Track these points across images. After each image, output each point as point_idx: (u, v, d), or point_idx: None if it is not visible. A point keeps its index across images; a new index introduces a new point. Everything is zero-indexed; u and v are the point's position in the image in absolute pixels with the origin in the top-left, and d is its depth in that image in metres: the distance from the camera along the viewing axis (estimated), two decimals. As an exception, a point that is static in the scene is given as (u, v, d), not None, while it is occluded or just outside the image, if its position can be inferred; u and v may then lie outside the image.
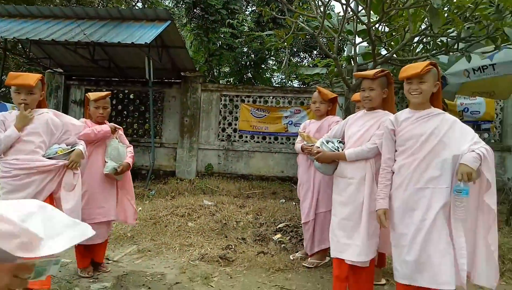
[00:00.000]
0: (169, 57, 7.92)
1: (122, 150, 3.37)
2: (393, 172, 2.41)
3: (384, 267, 3.30)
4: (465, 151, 2.17)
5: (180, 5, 10.48)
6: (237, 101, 7.96)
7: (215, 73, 10.50)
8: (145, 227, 4.63)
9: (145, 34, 6.60)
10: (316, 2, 4.75)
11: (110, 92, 3.57)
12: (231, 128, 7.96)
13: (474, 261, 2.22)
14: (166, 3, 13.66)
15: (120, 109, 8.49)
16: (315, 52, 13.91)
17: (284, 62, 11.82)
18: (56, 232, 0.87)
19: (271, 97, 7.90)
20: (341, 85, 6.36)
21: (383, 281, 3.26)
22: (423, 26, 4.48)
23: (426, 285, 2.22)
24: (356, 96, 3.40)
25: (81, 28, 6.70)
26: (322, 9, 4.44)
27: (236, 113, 7.94)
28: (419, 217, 2.24)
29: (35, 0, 10.24)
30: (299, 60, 14.77)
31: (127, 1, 12.89)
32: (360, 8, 4.82)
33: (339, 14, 5.81)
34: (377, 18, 4.31)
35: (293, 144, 3.83)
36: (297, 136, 3.78)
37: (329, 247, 3.08)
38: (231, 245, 4.10)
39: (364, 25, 4.24)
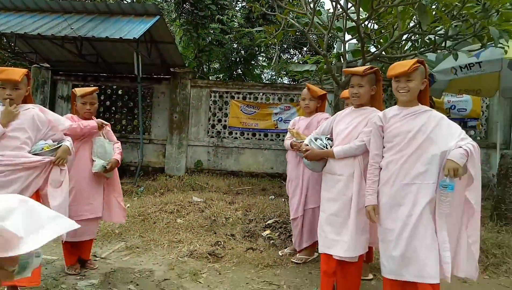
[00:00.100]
0: (158, 53, 7.85)
1: (109, 147, 3.33)
2: (381, 168, 2.44)
3: (371, 262, 3.34)
4: (452, 147, 2.20)
5: (169, 0, 10.39)
6: (227, 97, 7.94)
7: (205, 69, 10.44)
8: (133, 224, 4.60)
9: (134, 29, 6.52)
10: (306, -1, 4.75)
11: (97, 87, 3.52)
12: (221, 124, 7.94)
13: (456, 254, 2.27)
14: (155, -2, 13.51)
15: (108, 105, 8.39)
16: (305, 48, 13.93)
17: (274, 59, 11.82)
18: (38, 225, 0.86)
19: (261, 94, 7.89)
20: (331, 82, 6.39)
21: (371, 276, 3.30)
22: (411, 24, 4.52)
23: (411, 279, 2.26)
24: (345, 93, 3.42)
25: (68, 23, 6.59)
26: (312, 5, 4.45)
27: (226, 109, 7.92)
28: (406, 213, 2.27)
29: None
30: (289, 56, 14.77)
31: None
32: (349, 5, 4.83)
33: (329, 11, 5.82)
34: (366, 15, 4.33)
35: (283, 140, 3.84)
36: (286, 132, 3.79)
37: (317, 242, 3.11)
38: (220, 242, 4.10)
39: (353, 22, 4.26)
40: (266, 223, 4.67)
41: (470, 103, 7.40)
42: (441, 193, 2.18)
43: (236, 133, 7.88)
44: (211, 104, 7.94)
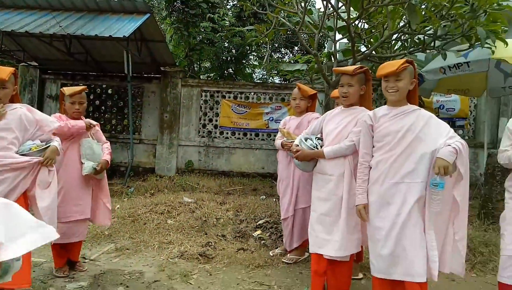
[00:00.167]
0: (149, 51, 7.78)
1: (97, 148, 3.28)
2: (371, 167, 2.45)
3: (361, 262, 3.35)
4: (441, 145, 2.22)
5: (159, -2, 10.32)
6: (218, 97, 7.90)
7: (196, 68, 10.38)
8: (123, 225, 4.56)
9: (124, 27, 6.46)
10: (297, -2, 4.75)
11: (86, 86, 3.48)
12: (212, 124, 7.90)
13: (442, 250, 2.30)
14: (146, -4, 13.39)
15: (97, 105, 8.30)
16: (296, 48, 13.94)
17: (265, 58, 11.82)
18: (19, 233, 0.84)
19: (252, 93, 7.88)
20: (322, 82, 6.41)
21: (361, 276, 3.32)
22: (401, 24, 4.55)
23: (399, 278, 2.28)
24: (335, 92, 3.42)
25: (56, 20, 6.49)
26: (303, 4, 4.45)
27: (217, 109, 7.89)
28: (395, 212, 2.29)
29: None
30: (280, 56, 14.78)
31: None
32: (340, 4, 4.85)
33: (320, 10, 5.83)
34: (357, 15, 4.35)
35: (274, 140, 3.84)
36: (278, 132, 3.79)
37: (308, 243, 3.11)
38: (211, 242, 4.08)
39: (344, 22, 4.27)
40: (257, 223, 4.66)
41: (458, 103, 7.48)
42: (432, 191, 2.20)
43: (227, 133, 7.86)
44: (202, 104, 7.90)
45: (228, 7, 11.73)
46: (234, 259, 3.67)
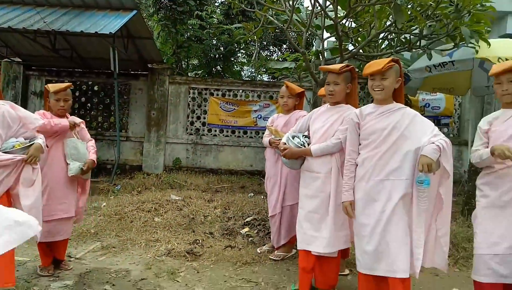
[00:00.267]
0: (135, 48, 7.70)
1: (82, 147, 3.23)
2: (357, 165, 2.48)
3: (347, 258, 3.39)
4: (425, 143, 2.25)
5: (147, -5, 10.20)
6: (206, 94, 7.87)
7: (183, 66, 10.31)
8: (109, 223, 4.51)
9: (110, 23, 6.37)
10: (285, -4, 4.76)
11: (71, 83, 3.42)
12: (200, 121, 7.87)
13: (426, 246, 2.33)
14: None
15: (83, 102, 8.18)
16: (284, 46, 13.96)
17: (253, 56, 11.81)
18: None
19: (240, 91, 7.87)
20: (309, 80, 6.44)
21: (347, 272, 3.36)
22: (388, 23, 4.59)
23: (382, 274, 2.31)
24: (322, 91, 3.44)
25: (40, 16, 6.38)
26: (290, 3, 4.45)
27: (205, 106, 7.85)
28: (379, 208, 2.32)
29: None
30: (268, 53, 14.78)
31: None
32: (328, 3, 4.87)
33: (308, 8, 5.85)
34: (344, 14, 4.38)
35: (262, 138, 3.85)
36: (266, 130, 3.80)
37: (295, 239, 3.13)
38: (199, 240, 4.08)
39: (331, 21, 4.30)
40: (245, 221, 4.67)
41: (443, 101, 7.61)
42: (418, 189, 2.23)
43: (215, 131, 7.84)
44: (189, 101, 7.86)
45: (216, 4, 11.68)
46: (221, 257, 3.67)
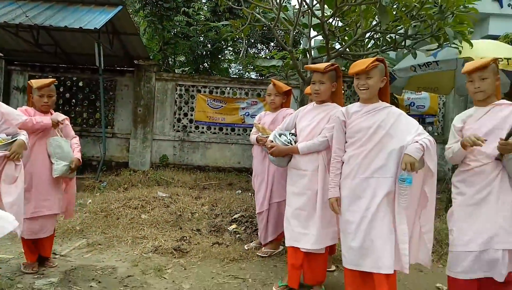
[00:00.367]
0: (121, 44, 7.61)
1: (66, 146, 3.17)
2: (343, 162, 2.51)
3: (334, 254, 3.44)
4: (409, 142, 2.30)
5: (133, -10, 10.06)
6: (193, 91, 7.83)
7: (170, 62, 10.23)
8: (95, 220, 4.47)
9: (95, 19, 6.28)
10: (273, -6, 4.76)
11: (55, 79, 3.36)
12: (187, 118, 7.83)
13: (410, 243, 2.38)
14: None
15: (68, 97, 8.05)
16: (272, 43, 13.97)
17: (241, 53, 11.78)
18: None
19: (228, 88, 7.86)
20: (297, 78, 6.47)
21: (333, 268, 3.41)
22: (374, 23, 4.65)
23: (368, 270, 2.36)
24: (308, 89, 3.47)
25: (22, 10, 6.24)
26: (278, 0, 4.46)
27: (192, 103, 7.82)
28: (364, 206, 2.36)
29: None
30: (256, 51, 14.77)
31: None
32: (315, 2, 4.89)
33: (295, 7, 5.87)
34: (331, 13, 4.41)
35: (250, 135, 3.86)
36: (253, 127, 3.81)
37: (282, 236, 3.16)
38: (186, 237, 4.07)
39: (318, 19, 4.32)
40: (233, 218, 4.68)
41: (428, 100, 7.74)
42: (400, 187, 2.28)
43: (203, 128, 7.81)
44: (176, 98, 7.81)
45: (203, 1, 11.61)
46: (209, 253, 3.68)
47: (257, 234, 3.97)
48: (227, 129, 7.83)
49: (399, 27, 4.38)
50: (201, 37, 9.65)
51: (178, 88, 7.81)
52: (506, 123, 2.26)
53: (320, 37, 5.37)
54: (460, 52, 4.28)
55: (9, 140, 2.65)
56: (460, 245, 2.34)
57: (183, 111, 7.84)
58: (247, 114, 7.70)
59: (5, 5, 6.57)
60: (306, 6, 4.59)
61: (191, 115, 7.80)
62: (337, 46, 5.41)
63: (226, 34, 5.43)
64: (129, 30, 7.22)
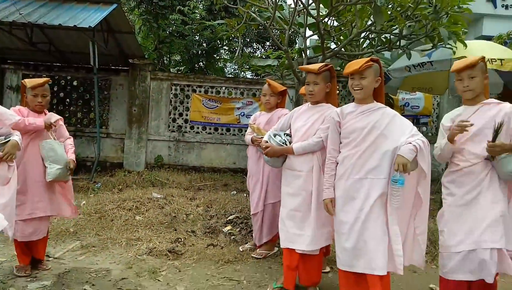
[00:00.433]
0: (116, 43, 7.55)
1: (60, 148, 3.13)
2: (338, 163, 2.51)
3: (328, 255, 3.43)
4: (402, 143, 2.30)
5: (128, -12, 9.99)
6: (188, 91, 7.80)
7: (165, 61, 10.19)
8: (89, 222, 4.43)
9: (89, 17, 6.23)
10: (268, -7, 4.75)
11: (49, 78, 3.32)
12: (182, 118, 7.80)
13: (404, 244, 2.38)
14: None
15: (62, 97, 7.98)
16: (267, 43, 13.96)
17: (236, 53, 11.75)
18: None
19: (223, 88, 7.83)
20: (292, 78, 6.45)
21: (328, 269, 3.40)
22: (369, 23, 4.65)
23: (361, 271, 2.36)
24: (303, 90, 3.46)
25: (16, 7, 6.17)
26: (273, 0, 4.45)
27: (187, 103, 7.78)
28: (358, 207, 2.36)
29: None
30: (252, 50, 14.75)
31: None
32: (310, 1, 4.89)
33: (291, 6, 5.86)
34: (326, 12, 4.41)
35: (245, 135, 3.85)
36: (249, 127, 3.80)
37: (277, 237, 3.15)
38: (180, 238, 4.05)
39: (314, 19, 4.32)
40: (227, 219, 4.66)
41: (422, 101, 7.77)
42: (393, 188, 2.27)
43: (198, 128, 7.78)
44: (172, 98, 7.77)
45: (199, 0, 11.56)
46: (203, 255, 3.66)
47: (252, 236, 3.96)
48: (222, 129, 7.80)
49: (394, 27, 4.39)
50: (196, 36, 9.62)
51: (173, 87, 7.77)
52: (494, 122, 2.26)
53: (315, 37, 5.37)
54: (454, 52, 4.30)
55: (2, 140, 2.61)
56: (450, 246, 2.34)
57: (178, 111, 7.80)
58: (242, 114, 7.68)
59: (-2, 3, 6.50)
60: (301, 5, 4.58)
61: (186, 115, 7.77)
62: (333, 45, 5.41)
63: (221, 33, 5.40)
64: (124, 28, 7.17)
